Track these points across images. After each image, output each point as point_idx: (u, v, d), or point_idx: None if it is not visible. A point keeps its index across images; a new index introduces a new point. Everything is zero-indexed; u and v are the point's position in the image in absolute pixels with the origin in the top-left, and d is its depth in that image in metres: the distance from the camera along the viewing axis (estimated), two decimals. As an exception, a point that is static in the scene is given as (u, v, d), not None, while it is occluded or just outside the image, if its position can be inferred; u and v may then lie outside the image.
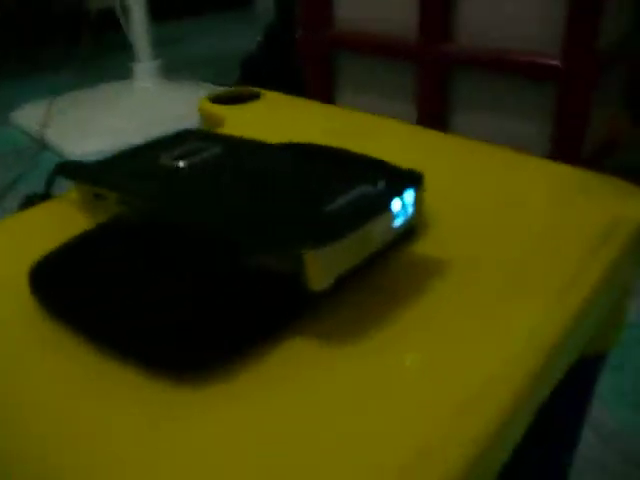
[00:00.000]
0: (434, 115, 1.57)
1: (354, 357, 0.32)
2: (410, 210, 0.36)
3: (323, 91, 1.72)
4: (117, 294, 0.34)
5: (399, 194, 0.35)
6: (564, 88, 1.44)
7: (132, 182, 0.39)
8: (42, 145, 1.74)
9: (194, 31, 3.10)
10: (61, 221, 0.44)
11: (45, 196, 0.49)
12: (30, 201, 0.48)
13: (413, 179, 0.36)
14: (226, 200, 0.35)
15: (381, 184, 0.35)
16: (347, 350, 0.32)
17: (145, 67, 2.01)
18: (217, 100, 0.67)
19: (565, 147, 1.48)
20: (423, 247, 0.40)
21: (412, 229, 0.37)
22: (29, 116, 1.91)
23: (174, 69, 2.14)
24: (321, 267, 0.31)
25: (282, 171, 0.38)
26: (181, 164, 0.39)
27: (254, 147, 0.42)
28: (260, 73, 1.87)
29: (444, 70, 1.52)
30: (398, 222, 0.35)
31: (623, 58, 1.76)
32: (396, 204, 0.35)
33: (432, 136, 0.58)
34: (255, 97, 0.68)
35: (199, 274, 0.34)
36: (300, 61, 1.67)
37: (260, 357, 0.32)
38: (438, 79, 1.54)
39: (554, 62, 1.43)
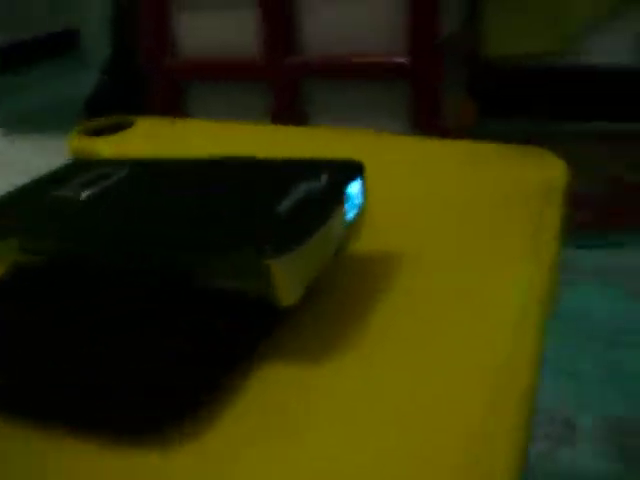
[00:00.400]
0: (294, 128, 1.56)
1: (343, 375, 0.28)
2: (359, 201, 0.33)
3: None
4: (46, 355, 0.29)
5: (348, 186, 0.32)
6: (414, 84, 1.46)
7: (34, 222, 0.33)
8: None
9: (24, 83, 2.95)
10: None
11: None
12: None
13: (355, 169, 0.33)
14: (158, 222, 0.30)
15: (325, 178, 0.32)
16: (331, 368, 0.28)
17: (-22, 124, 1.89)
18: (88, 133, 0.62)
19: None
20: (365, 243, 0.37)
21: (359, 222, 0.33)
22: None
23: (12, 123, 2.02)
24: (289, 277, 0.27)
25: (212, 183, 0.34)
26: (87, 193, 0.34)
27: (164, 165, 0.37)
28: (107, 109, 1.79)
29: (294, 83, 1.51)
30: (350, 215, 0.32)
31: (462, 49, 1.82)
32: (347, 196, 0.31)
33: (329, 132, 0.55)
34: (128, 125, 0.63)
35: (140, 313, 0.30)
36: (146, 92, 1.61)
37: (232, 395, 0.27)
38: (290, 93, 1.53)
39: (401, 61, 1.45)
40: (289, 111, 1.54)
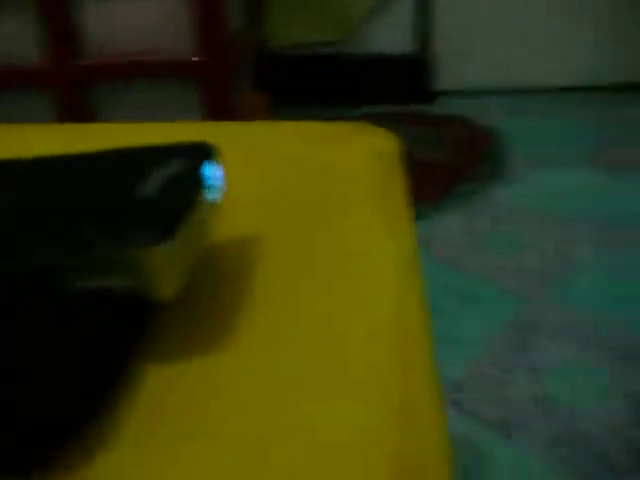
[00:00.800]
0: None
1: (233, 369, 0.26)
2: (217, 182, 0.31)
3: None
4: None
5: (206, 167, 0.30)
6: (205, 81, 1.45)
7: None
8: None
9: None
10: None
11: None
12: None
13: (209, 150, 0.31)
14: (16, 223, 0.27)
15: (181, 162, 0.30)
16: (217, 362, 0.27)
17: None
18: None
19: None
20: (221, 228, 0.35)
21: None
22: None
23: None
24: (170, 266, 0.25)
25: (63, 180, 0.30)
26: None
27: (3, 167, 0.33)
28: None
29: (81, 87, 1.45)
30: (212, 197, 0.30)
31: (249, 42, 1.83)
32: (207, 177, 0.30)
33: (157, 126, 0.53)
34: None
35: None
36: None
37: (118, 402, 0.25)
38: (76, 97, 1.46)
39: (191, 58, 1.43)
40: (77, 116, 1.47)
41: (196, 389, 0.25)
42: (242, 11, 1.71)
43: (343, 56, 2.39)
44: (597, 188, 1.72)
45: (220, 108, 1.47)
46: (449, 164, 1.96)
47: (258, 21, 2.18)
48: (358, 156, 0.43)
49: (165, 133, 0.48)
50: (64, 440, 0.22)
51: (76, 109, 1.47)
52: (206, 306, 0.30)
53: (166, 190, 0.28)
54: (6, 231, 0.26)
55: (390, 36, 2.38)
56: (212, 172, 0.31)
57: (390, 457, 0.22)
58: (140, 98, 1.47)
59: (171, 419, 0.24)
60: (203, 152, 0.31)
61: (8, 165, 0.32)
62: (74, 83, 1.44)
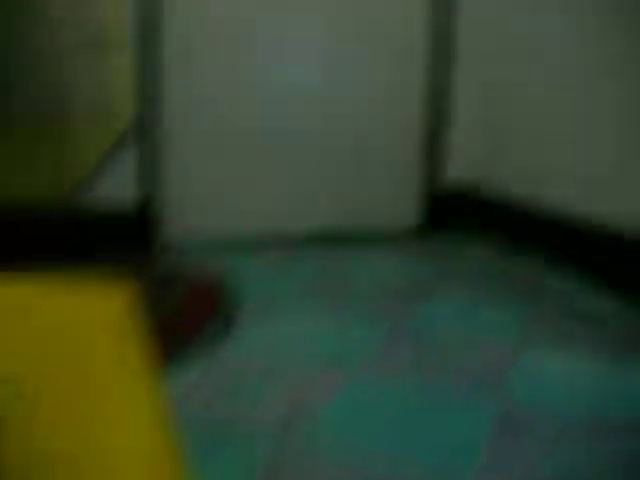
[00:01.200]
0: None
1: None
2: None
3: None
4: None
5: None
6: None
7: None
8: None
9: None
10: None
11: None
12: None
13: None
14: None
15: None
16: None
17: None
18: None
19: None
20: None
21: None
22: None
23: None
24: None
25: None
26: None
27: None
28: None
29: None
30: None
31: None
32: None
33: None
34: None
35: None
36: None
37: None
38: None
39: None
40: None
41: None
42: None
43: (65, 213, 2.32)
44: (330, 335, 1.78)
45: None
46: (179, 319, 1.93)
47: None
48: (94, 317, 0.39)
49: None
50: None
51: None
52: None
53: None
54: None
55: (114, 192, 2.36)
56: None
57: None
58: None
59: None
60: None
61: None
62: None
